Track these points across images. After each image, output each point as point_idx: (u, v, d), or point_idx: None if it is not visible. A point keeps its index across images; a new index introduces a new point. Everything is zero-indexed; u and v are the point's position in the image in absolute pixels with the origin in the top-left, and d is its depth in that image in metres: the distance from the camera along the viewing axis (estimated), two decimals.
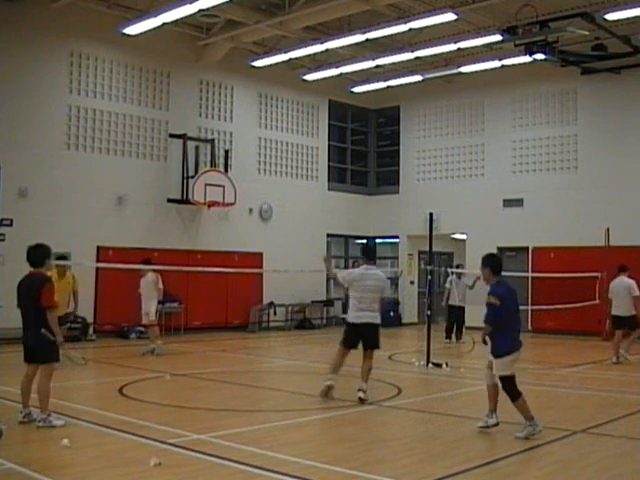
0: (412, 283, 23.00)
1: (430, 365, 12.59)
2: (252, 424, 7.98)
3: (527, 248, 20.31)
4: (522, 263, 20.23)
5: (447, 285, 17.64)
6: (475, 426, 7.67)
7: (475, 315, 20.47)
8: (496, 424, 7.60)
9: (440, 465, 6.33)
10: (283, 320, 20.69)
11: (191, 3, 14.39)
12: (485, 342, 7.65)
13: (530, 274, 19.31)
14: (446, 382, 11.31)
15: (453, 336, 17.54)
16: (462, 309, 17.29)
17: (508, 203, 20.72)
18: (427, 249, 13.31)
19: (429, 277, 13.37)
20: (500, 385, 7.49)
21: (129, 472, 5.92)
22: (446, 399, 9.98)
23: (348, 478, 5.88)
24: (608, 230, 18.50)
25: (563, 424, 7.99)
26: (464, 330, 17.24)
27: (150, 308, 14.02)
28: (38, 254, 7.73)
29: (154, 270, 13.99)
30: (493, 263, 7.73)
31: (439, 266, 19.59)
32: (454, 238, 22.88)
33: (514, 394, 7.37)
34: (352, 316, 9.55)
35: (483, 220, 21.01)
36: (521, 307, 20.51)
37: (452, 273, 17.31)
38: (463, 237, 21.99)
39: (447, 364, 12.62)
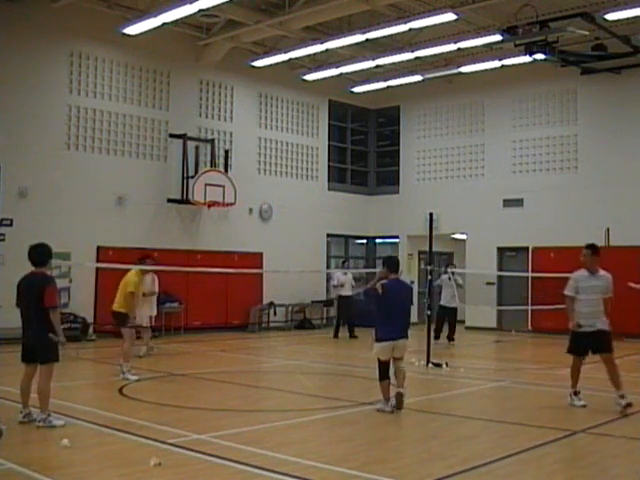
0: (412, 283, 22.98)
1: (430, 365, 12.59)
2: (252, 424, 7.98)
3: (527, 248, 20.30)
4: (522, 263, 20.24)
5: (437, 282, 16.84)
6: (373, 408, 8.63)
7: (474, 315, 20.63)
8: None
9: (440, 465, 6.33)
10: (283, 320, 20.68)
11: (191, 3, 14.39)
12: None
13: (530, 274, 19.30)
14: (446, 382, 11.31)
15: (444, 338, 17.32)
16: (453, 310, 16.90)
17: (508, 203, 20.71)
18: (427, 249, 13.30)
19: (429, 277, 13.37)
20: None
21: (129, 472, 5.92)
22: (446, 399, 9.99)
23: (348, 478, 5.88)
24: (608, 230, 18.50)
25: (563, 424, 8.00)
26: (455, 331, 17.03)
27: (151, 310, 13.96)
28: (40, 253, 7.71)
29: (153, 270, 13.91)
30: (390, 263, 8.87)
31: (439, 266, 19.58)
32: (454, 238, 22.87)
33: (381, 376, 8.57)
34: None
35: (483, 220, 21.01)
36: (521, 307, 20.24)
37: (445, 272, 16.98)
38: (463, 237, 21.99)
39: (447, 364, 12.62)
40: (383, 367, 8.62)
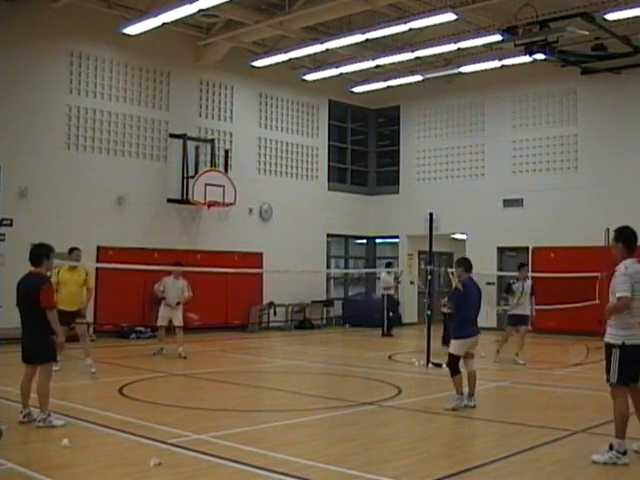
0: (412, 283, 23.00)
1: (430, 365, 12.58)
2: (252, 424, 7.98)
3: (527, 248, 20.30)
4: None
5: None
6: (444, 407, 8.73)
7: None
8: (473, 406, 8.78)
9: (440, 465, 6.33)
10: (283, 320, 20.66)
11: (191, 3, 14.39)
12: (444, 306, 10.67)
13: (530, 274, 19.28)
14: (446, 382, 11.28)
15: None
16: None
17: (508, 203, 20.71)
18: (427, 249, 13.31)
19: (429, 277, 13.35)
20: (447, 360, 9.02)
21: (129, 472, 5.92)
22: (446, 399, 9.97)
23: (348, 478, 5.88)
24: (608, 230, 18.46)
25: (563, 424, 7.99)
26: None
27: (179, 313, 14.13)
28: (36, 254, 7.75)
29: (184, 274, 14.14)
30: (465, 263, 9.45)
31: (439, 266, 19.55)
32: (454, 238, 22.86)
33: (455, 371, 8.85)
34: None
35: (483, 220, 21.00)
36: None
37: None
38: (463, 237, 21.98)
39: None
40: (456, 362, 8.87)
